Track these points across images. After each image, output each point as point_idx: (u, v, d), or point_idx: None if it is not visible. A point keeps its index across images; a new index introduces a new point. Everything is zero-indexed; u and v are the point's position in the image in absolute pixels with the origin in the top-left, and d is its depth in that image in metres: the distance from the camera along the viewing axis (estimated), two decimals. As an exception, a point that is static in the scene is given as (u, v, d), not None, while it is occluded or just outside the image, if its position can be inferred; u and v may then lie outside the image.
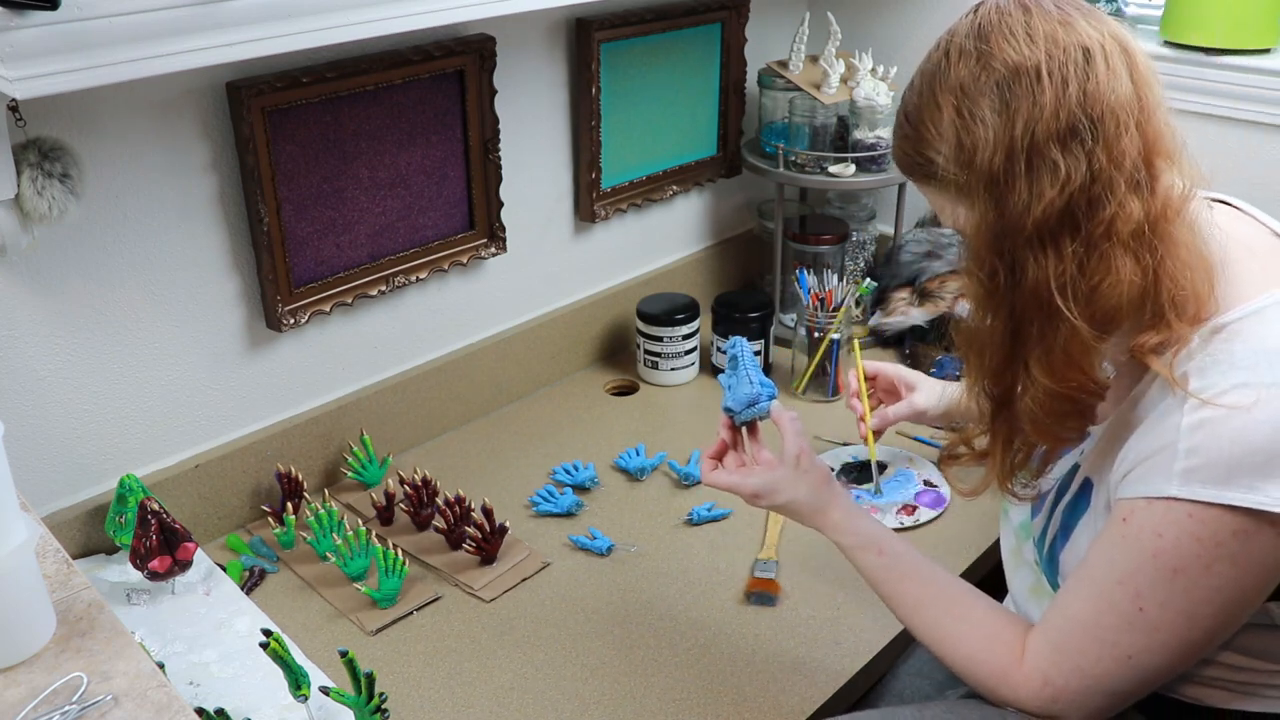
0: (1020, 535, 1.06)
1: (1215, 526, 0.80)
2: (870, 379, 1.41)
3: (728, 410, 1.12)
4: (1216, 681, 0.93)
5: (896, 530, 1.40)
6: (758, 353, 1.75)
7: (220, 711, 1.06)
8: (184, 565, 1.22)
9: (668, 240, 1.94)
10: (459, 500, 1.36)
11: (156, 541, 1.19)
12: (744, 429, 1.13)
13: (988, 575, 1.37)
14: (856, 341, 1.52)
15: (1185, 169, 0.86)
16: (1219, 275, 0.85)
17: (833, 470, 1.52)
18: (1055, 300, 0.84)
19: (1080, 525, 0.95)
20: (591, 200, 1.73)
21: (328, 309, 1.43)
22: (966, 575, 1.34)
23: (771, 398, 1.11)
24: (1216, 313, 0.84)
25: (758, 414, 1.11)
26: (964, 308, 1.72)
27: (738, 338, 1.18)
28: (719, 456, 1.14)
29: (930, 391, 1.36)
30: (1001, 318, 0.88)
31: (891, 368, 1.40)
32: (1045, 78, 0.83)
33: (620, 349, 1.88)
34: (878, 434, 1.40)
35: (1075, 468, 0.97)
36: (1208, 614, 0.83)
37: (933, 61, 0.90)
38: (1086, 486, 0.95)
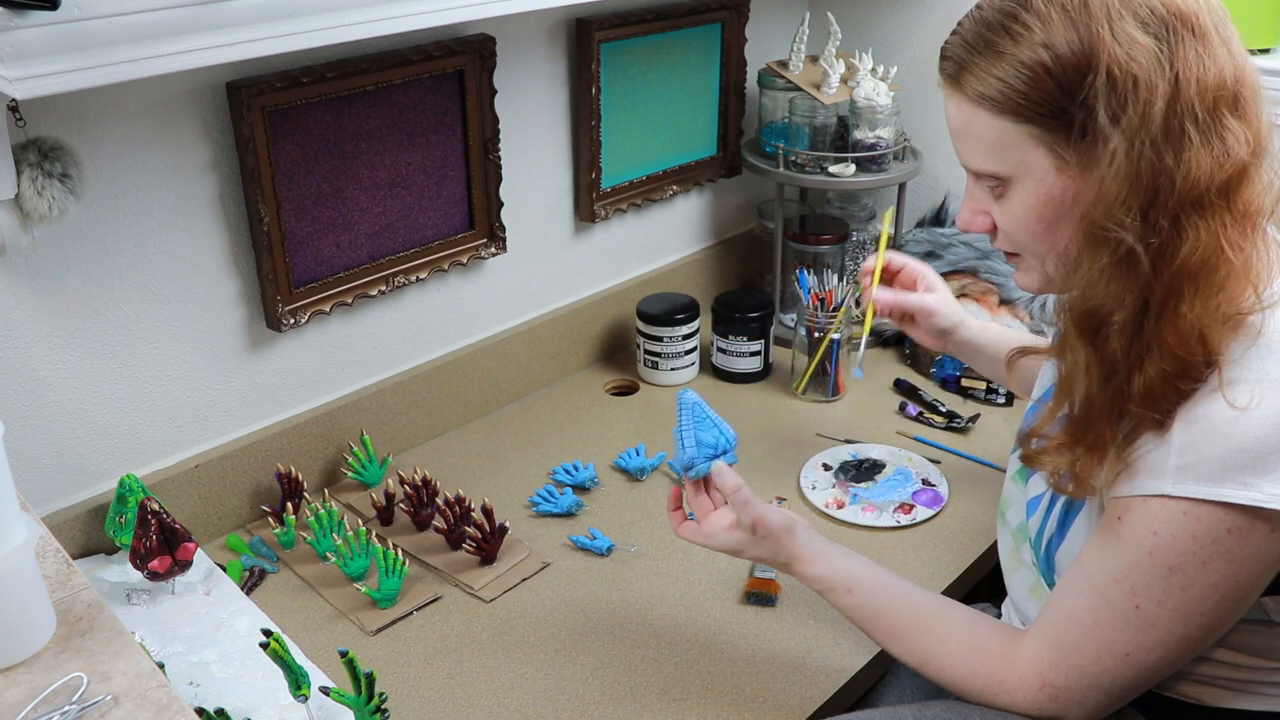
0: (1018, 537, 1.06)
1: (1210, 523, 0.80)
2: (895, 271, 1.32)
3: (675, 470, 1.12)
4: (1216, 680, 0.93)
5: (894, 529, 1.40)
6: (762, 347, 1.75)
7: (220, 711, 1.06)
8: (184, 565, 1.22)
9: (668, 240, 1.94)
10: (459, 500, 1.36)
11: (156, 541, 1.19)
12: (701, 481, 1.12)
13: (987, 576, 1.37)
14: (889, 221, 1.40)
15: (1275, 164, 0.85)
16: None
17: (830, 469, 1.53)
18: (1225, 264, 0.80)
19: (1075, 524, 0.95)
20: (591, 200, 1.73)
21: (328, 309, 1.43)
22: (965, 576, 1.34)
23: (711, 457, 1.09)
24: None
25: (698, 475, 1.11)
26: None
27: (684, 390, 1.15)
28: (681, 506, 1.13)
29: (948, 300, 1.29)
30: (1142, 282, 0.82)
31: (917, 263, 1.32)
32: (1211, 34, 0.79)
33: (620, 349, 1.88)
34: (885, 312, 1.30)
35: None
36: (1204, 610, 0.83)
37: None
38: None
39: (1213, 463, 0.80)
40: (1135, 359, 0.84)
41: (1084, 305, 0.86)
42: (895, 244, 1.86)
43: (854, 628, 1.23)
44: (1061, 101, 0.82)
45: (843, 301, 1.70)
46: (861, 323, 1.30)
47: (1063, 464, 0.91)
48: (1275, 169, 0.84)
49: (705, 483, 1.12)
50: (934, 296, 1.29)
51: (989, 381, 1.67)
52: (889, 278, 1.32)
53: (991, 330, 1.33)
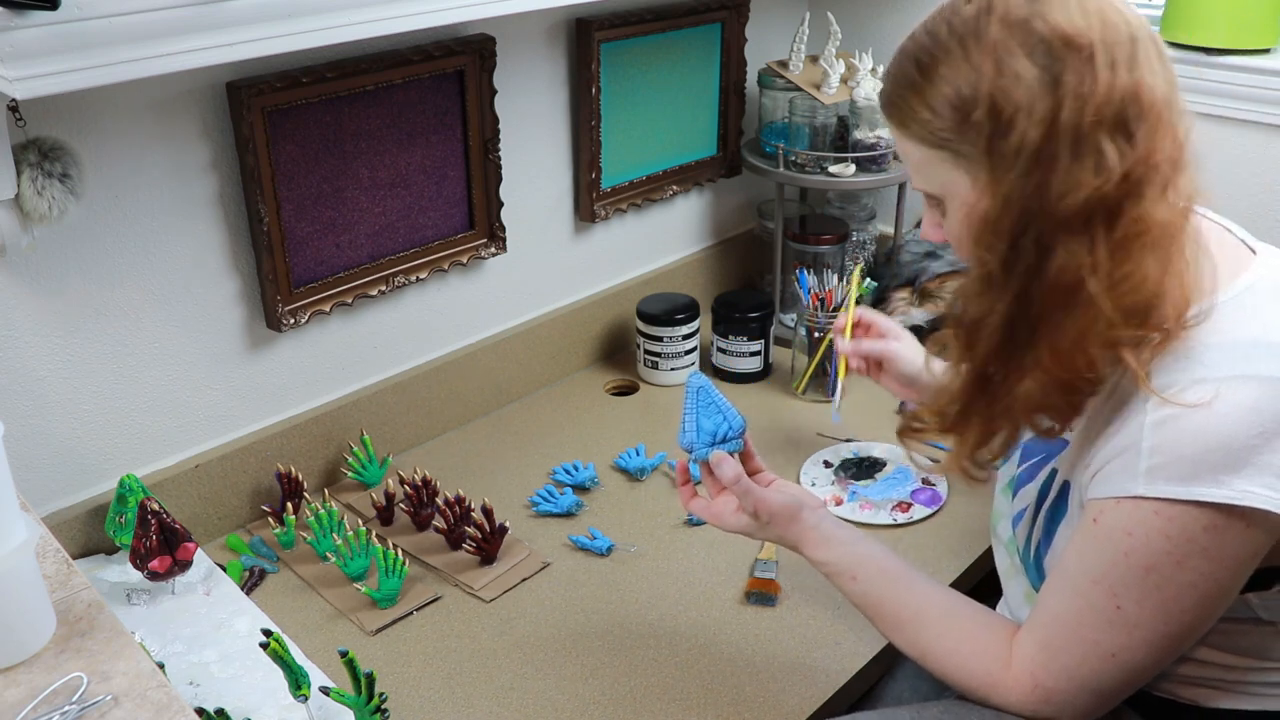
0: (1010, 550, 1.06)
1: (1184, 523, 0.81)
2: (865, 326, 1.36)
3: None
4: (1209, 681, 0.93)
5: (891, 526, 1.40)
6: (762, 347, 1.75)
7: (220, 711, 1.06)
8: (184, 565, 1.22)
9: (668, 240, 1.94)
10: (459, 500, 1.36)
11: (156, 541, 1.19)
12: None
13: (985, 578, 1.37)
14: (857, 284, 1.46)
15: (1194, 176, 0.85)
16: (1198, 278, 0.85)
17: (829, 465, 1.53)
18: (1086, 288, 0.82)
19: (1061, 528, 0.95)
20: (591, 200, 1.73)
21: (328, 309, 1.43)
22: (964, 577, 1.34)
23: (710, 444, 1.09)
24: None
25: (699, 459, 1.10)
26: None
27: (693, 374, 1.14)
28: (689, 480, 1.13)
29: (913, 348, 1.32)
30: (1009, 299, 0.85)
31: (883, 319, 1.36)
32: (1099, 56, 0.80)
33: (620, 349, 1.88)
34: (854, 362, 1.35)
35: (1054, 472, 0.97)
36: (1185, 608, 0.84)
37: (964, 15, 0.84)
38: (1065, 489, 0.96)
39: (1184, 462, 0.80)
40: (1014, 371, 0.88)
41: (957, 311, 0.91)
42: (895, 245, 1.86)
43: (853, 628, 1.23)
44: (959, 129, 0.84)
45: (843, 301, 1.70)
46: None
47: (929, 443, 1.01)
48: (1175, 187, 0.84)
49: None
50: (897, 344, 1.32)
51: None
52: (859, 334, 1.37)
53: None
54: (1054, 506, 0.97)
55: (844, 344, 1.35)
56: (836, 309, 1.70)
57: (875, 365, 1.34)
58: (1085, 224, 0.81)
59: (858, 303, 1.78)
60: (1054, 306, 0.84)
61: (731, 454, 1.09)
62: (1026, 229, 0.83)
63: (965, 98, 0.83)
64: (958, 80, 0.83)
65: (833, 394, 1.43)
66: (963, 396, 0.93)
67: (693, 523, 1.43)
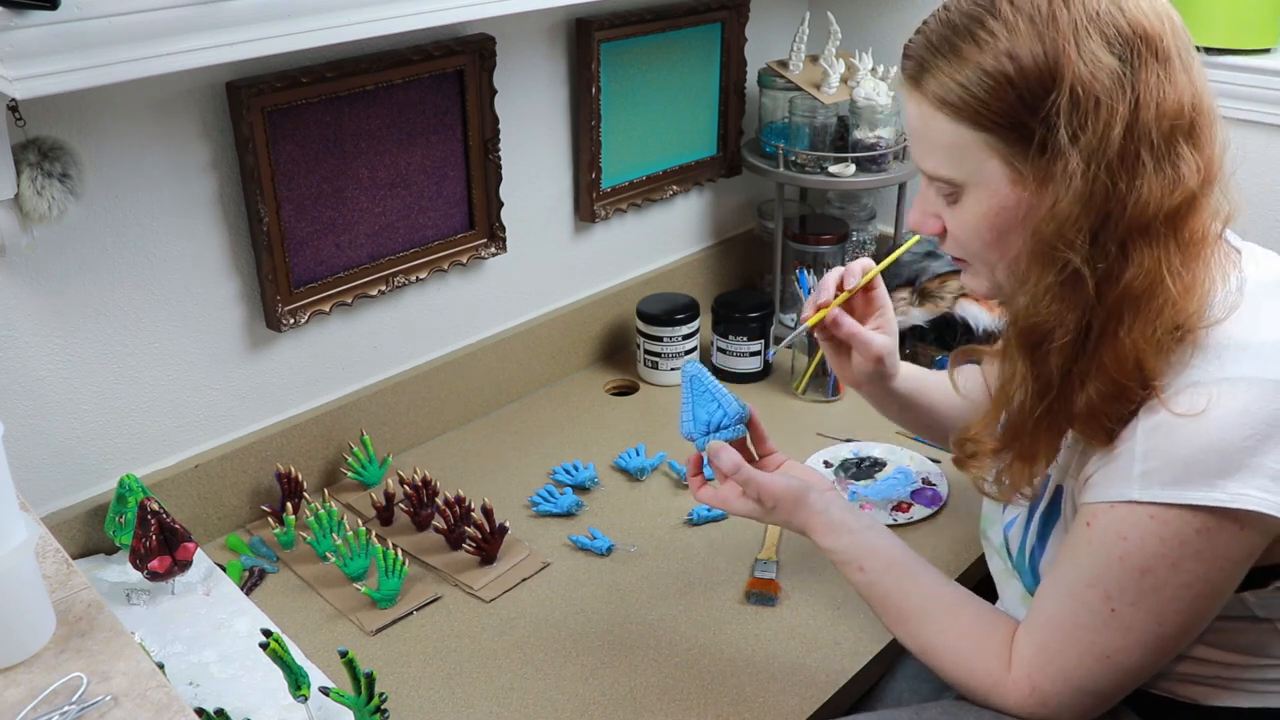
0: (1001, 554, 1.06)
1: (1178, 526, 0.81)
2: (869, 297, 1.14)
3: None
4: (1207, 679, 0.93)
5: (891, 527, 1.40)
6: (762, 347, 1.75)
7: (220, 711, 1.06)
8: (184, 565, 1.22)
9: (668, 240, 1.94)
10: (459, 500, 1.36)
11: (156, 541, 1.19)
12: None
13: (985, 579, 1.37)
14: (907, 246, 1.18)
15: (1228, 185, 0.86)
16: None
17: (829, 465, 1.53)
18: (1162, 292, 0.81)
19: (1054, 533, 0.95)
20: (591, 200, 1.73)
21: (328, 309, 1.43)
22: (963, 578, 1.33)
23: (706, 434, 1.08)
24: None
25: (699, 448, 1.10)
26: (966, 308, 1.72)
27: (688, 362, 1.13)
28: (700, 471, 1.12)
29: (894, 351, 1.14)
30: (1085, 302, 0.83)
31: (886, 297, 1.14)
32: (1174, 60, 0.79)
33: (620, 349, 1.88)
34: (835, 328, 1.12)
35: (1047, 477, 0.97)
36: (1179, 610, 0.84)
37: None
38: (1058, 494, 0.96)
39: (1177, 466, 0.80)
40: (1076, 378, 0.85)
41: (1027, 321, 0.86)
42: (895, 245, 1.86)
43: (853, 628, 1.23)
44: (1022, 114, 0.81)
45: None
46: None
47: (992, 469, 0.94)
48: (1224, 194, 0.85)
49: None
50: (887, 342, 1.13)
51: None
52: (858, 297, 1.15)
53: (930, 381, 1.22)
54: (1047, 512, 0.97)
55: (847, 323, 1.10)
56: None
57: (843, 344, 1.14)
58: (1163, 228, 0.81)
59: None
60: (1124, 310, 0.82)
61: (730, 441, 1.08)
62: (1106, 231, 0.81)
63: (1033, 77, 0.80)
64: (1023, 56, 0.80)
65: (796, 326, 1.22)
66: (1031, 409, 0.89)
67: (693, 522, 1.43)
